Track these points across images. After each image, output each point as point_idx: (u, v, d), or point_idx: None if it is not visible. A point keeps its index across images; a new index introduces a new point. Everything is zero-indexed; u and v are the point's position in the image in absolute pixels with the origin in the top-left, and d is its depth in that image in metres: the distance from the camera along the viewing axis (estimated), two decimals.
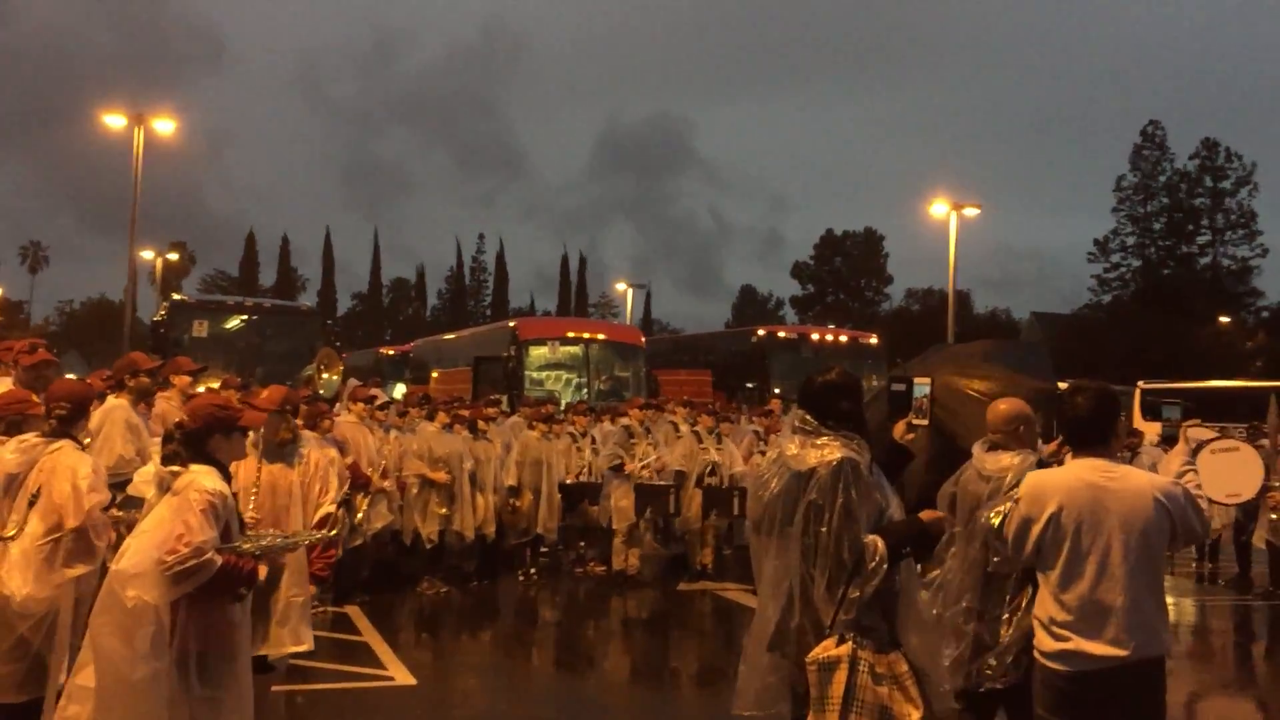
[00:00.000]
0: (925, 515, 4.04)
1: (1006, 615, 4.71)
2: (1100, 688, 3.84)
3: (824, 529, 3.73)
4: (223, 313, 21.13)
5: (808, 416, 3.97)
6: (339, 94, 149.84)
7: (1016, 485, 4.40)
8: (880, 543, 3.74)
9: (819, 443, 3.87)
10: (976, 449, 4.95)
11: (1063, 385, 4.68)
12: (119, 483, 5.60)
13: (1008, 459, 4.81)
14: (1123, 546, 3.84)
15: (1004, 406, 4.97)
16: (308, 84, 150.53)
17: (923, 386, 4.43)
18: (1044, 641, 3.96)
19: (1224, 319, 57.73)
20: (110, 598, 3.98)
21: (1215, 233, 66.72)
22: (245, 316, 20.94)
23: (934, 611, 4.73)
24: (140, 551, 3.95)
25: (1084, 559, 3.88)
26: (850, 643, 3.68)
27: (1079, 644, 3.84)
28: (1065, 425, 4.12)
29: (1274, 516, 10.68)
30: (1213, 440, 11.39)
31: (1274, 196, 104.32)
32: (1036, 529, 3.97)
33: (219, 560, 3.97)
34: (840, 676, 3.65)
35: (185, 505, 4.00)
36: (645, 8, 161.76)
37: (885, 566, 3.72)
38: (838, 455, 3.81)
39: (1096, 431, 4.04)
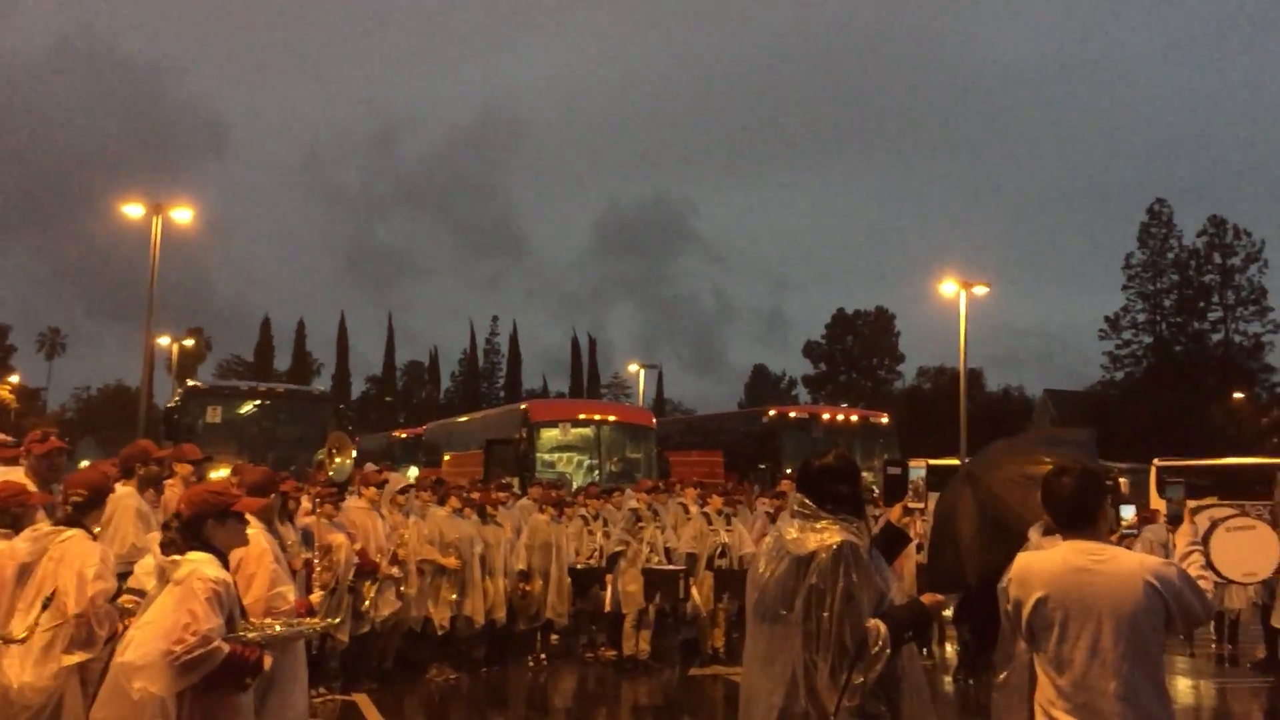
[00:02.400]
0: (927, 599, 4.03)
1: None
2: None
3: (826, 614, 3.71)
4: (235, 398, 21.27)
5: (806, 500, 3.98)
6: (342, 179, 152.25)
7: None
8: (883, 627, 3.72)
9: (818, 526, 3.88)
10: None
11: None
12: (128, 572, 5.62)
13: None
14: (1113, 632, 3.72)
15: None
16: (311, 170, 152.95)
17: (917, 470, 4.48)
18: None
19: (1238, 395, 57.49)
20: (114, 690, 3.97)
21: (1226, 309, 66.84)
22: (258, 401, 21.06)
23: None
24: (145, 642, 3.94)
25: (1074, 644, 3.78)
26: None
27: None
28: (1051, 507, 4.03)
29: None
30: (1228, 518, 11.36)
31: None
32: (1025, 613, 3.90)
33: (226, 649, 3.97)
34: None
35: (189, 594, 4.00)
36: (642, 89, 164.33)
37: (889, 651, 3.70)
38: (837, 539, 3.81)
39: (1083, 513, 3.94)
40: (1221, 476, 24.80)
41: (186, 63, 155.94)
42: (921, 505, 4.45)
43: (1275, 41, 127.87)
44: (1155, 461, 28.76)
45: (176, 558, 4.15)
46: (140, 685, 3.87)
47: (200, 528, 4.25)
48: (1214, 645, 13.78)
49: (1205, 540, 11.10)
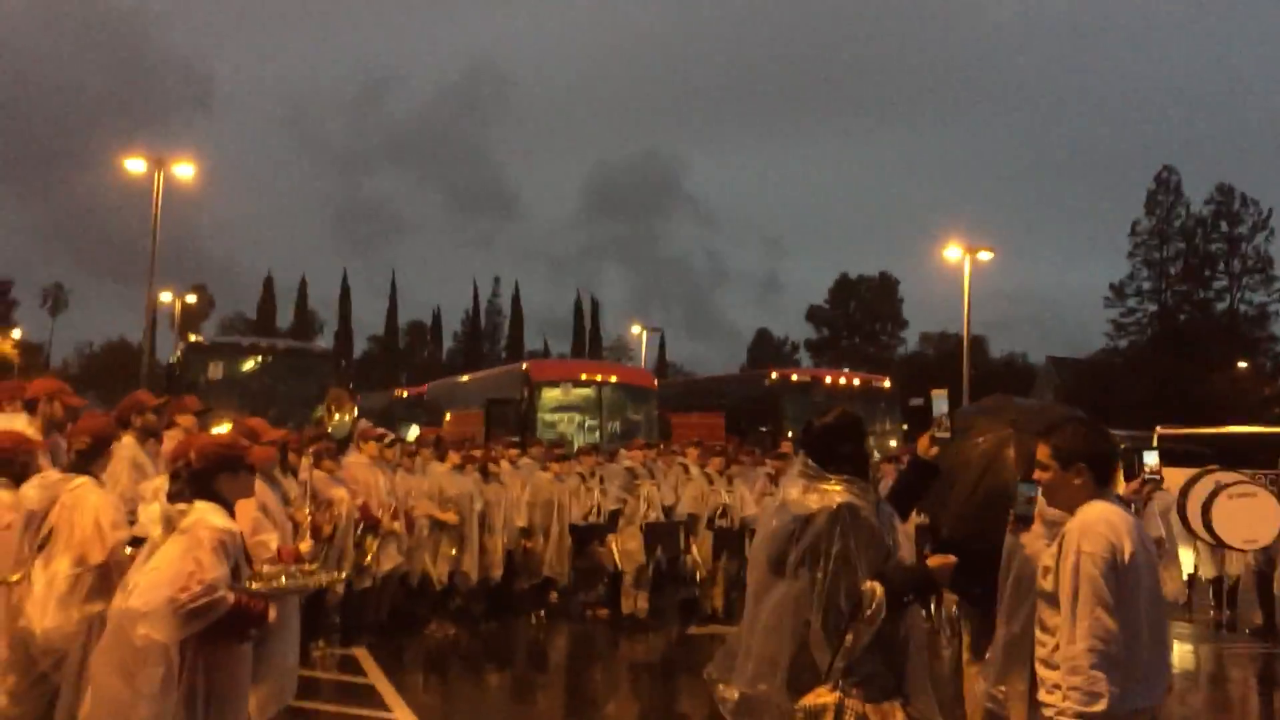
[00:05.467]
0: (933, 561, 3.98)
1: None
2: None
3: (821, 574, 3.71)
4: (236, 354, 21.20)
5: (809, 460, 3.97)
6: (332, 135, 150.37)
7: None
8: (879, 589, 3.69)
9: (821, 487, 3.87)
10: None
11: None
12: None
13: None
14: None
15: None
16: (299, 126, 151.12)
17: (941, 400, 4.42)
18: None
19: (1242, 364, 57.44)
20: (116, 636, 3.95)
21: (1232, 278, 66.72)
22: (259, 358, 20.99)
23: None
24: (150, 589, 3.91)
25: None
26: (838, 691, 3.65)
27: None
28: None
29: None
30: (1231, 484, 11.32)
31: None
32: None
33: (231, 598, 3.95)
34: None
35: (195, 542, 3.97)
36: (633, 45, 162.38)
37: (884, 613, 3.68)
38: (837, 500, 3.80)
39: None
40: (1224, 445, 24.77)
41: (171, 12, 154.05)
42: (948, 435, 4.35)
43: None
44: (1158, 429, 28.79)
45: (183, 506, 4.12)
46: (144, 631, 3.85)
47: (211, 480, 4.22)
48: (1213, 611, 13.80)
49: (1207, 506, 11.12)
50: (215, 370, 19.92)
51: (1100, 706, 3.41)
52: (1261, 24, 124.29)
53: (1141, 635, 3.55)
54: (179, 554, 3.96)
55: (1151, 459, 8.58)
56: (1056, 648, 3.59)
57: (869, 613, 3.66)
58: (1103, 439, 3.83)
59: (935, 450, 4.34)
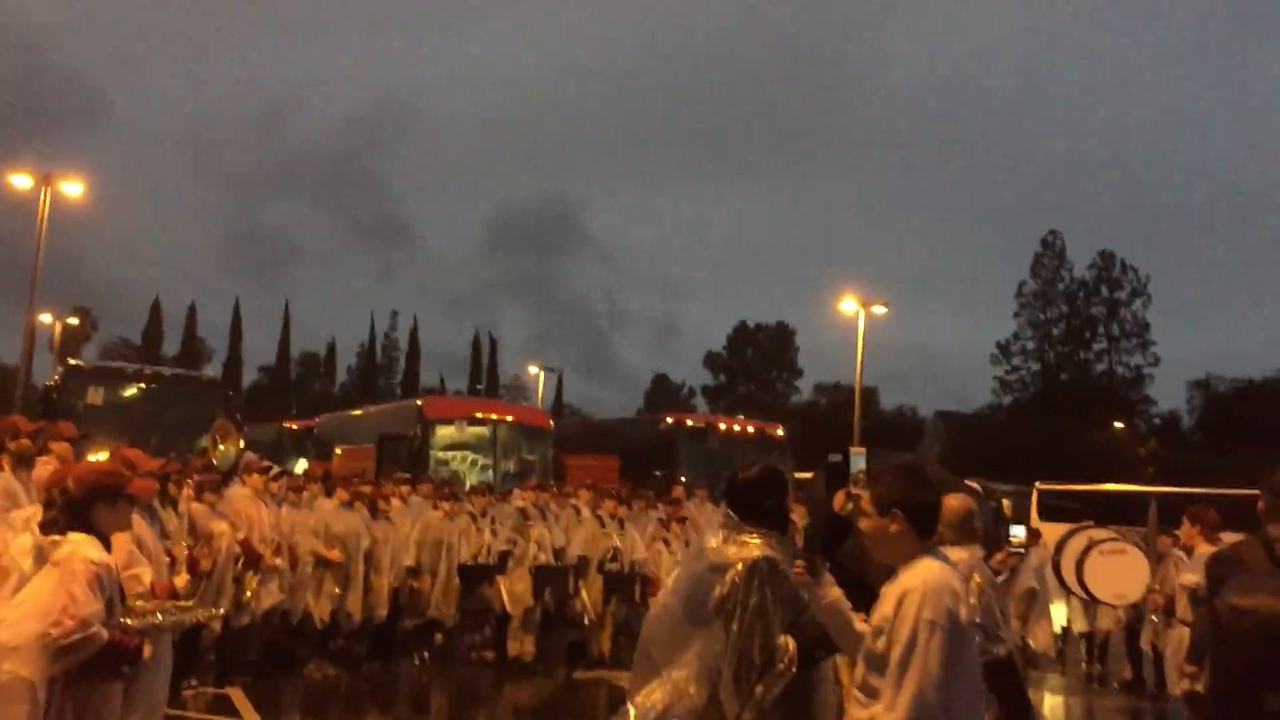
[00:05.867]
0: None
1: None
2: None
3: (735, 625, 3.75)
4: (119, 379, 20.53)
5: (731, 512, 4.02)
6: (229, 161, 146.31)
7: (968, 578, 4.54)
8: (792, 644, 3.75)
9: (741, 539, 3.91)
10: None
11: (971, 483, 4.83)
12: None
13: (956, 553, 4.77)
14: None
15: (955, 503, 5.07)
16: (196, 150, 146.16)
17: (859, 458, 4.55)
18: None
19: (1118, 424, 59.67)
20: None
21: (1111, 340, 69.38)
22: (142, 384, 20.37)
23: None
24: (19, 623, 3.76)
25: None
26: None
27: None
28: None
29: (1154, 619, 10.91)
30: (1104, 541, 11.70)
31: (1168, 308, 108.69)
32: None
33: (105, 635, 3.81)
34: None
35: (69, 576, 3.83)
36: (539, 84, 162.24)
37: (795, 667, 3.73)
38: (755, 554, 3.84)
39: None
40: (1100, 502, 25.60)
41: (63, 25, 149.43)
42: (863, 492, 4.45)
43: (1173, 78, 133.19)
44: (1038, 485, 29.67)
45: (57, 537, 3.97)
46: (10, 668, 3.70)
47: (89, 508, 4.07)
48: (1084, 664, 14.20)
49: (1081, 561, 11.46)
50: (96, 395, 19.26)
51: None
52: (1146, 96, 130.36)
53: (962, 701, 3.37)
54: (51, 587, 3.82)
55: (1018, 531, 8.91)
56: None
57: (781, 666, 3.70)
58: (923, 488, 3.59)
59: (850, 506, 4.45)
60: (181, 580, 5.47)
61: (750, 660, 3.70)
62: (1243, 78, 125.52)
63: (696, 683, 3.82)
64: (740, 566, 3.79)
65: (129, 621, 4.04)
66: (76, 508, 4.08)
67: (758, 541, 3.87)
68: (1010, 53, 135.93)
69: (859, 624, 3.54)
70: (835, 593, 3.61)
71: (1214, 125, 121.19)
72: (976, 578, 4.85)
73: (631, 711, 3.89)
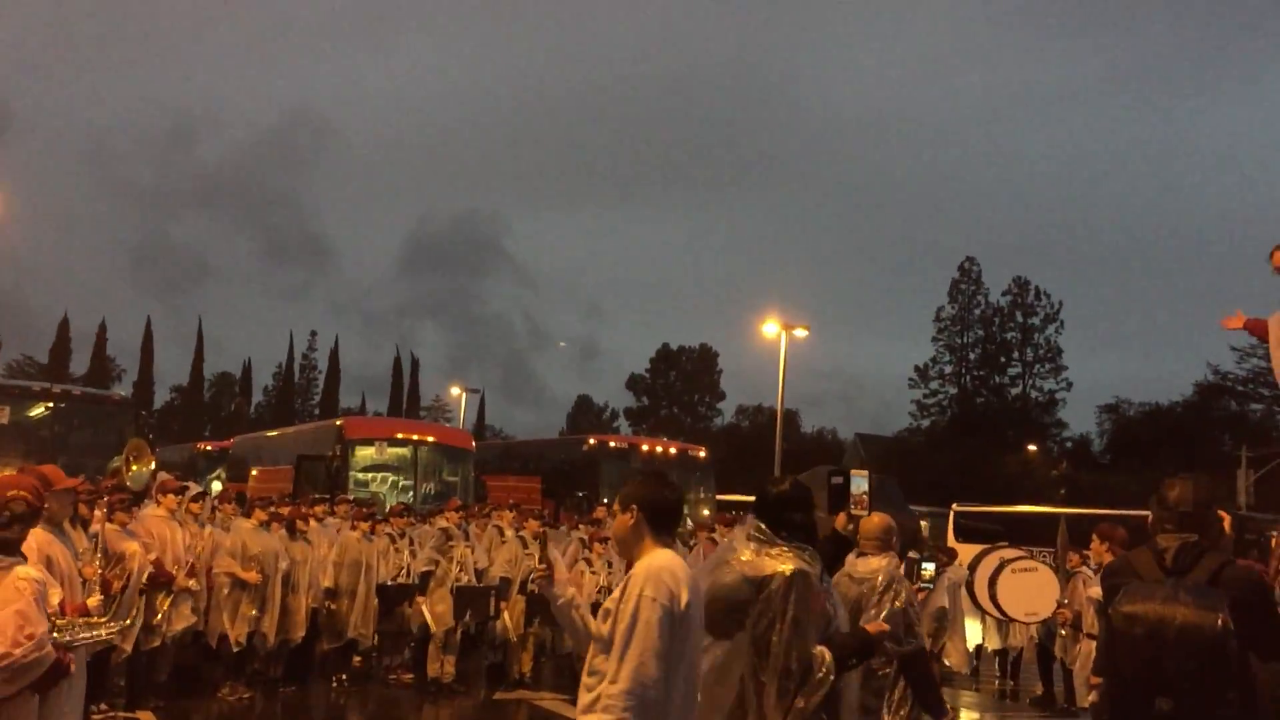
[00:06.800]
0: (871, 627, 4.21)
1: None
2: None
3: (775, 638, 3.79)
4: (24, 398, 19.99)
5: (763, 526, 4.06)
6: (138, 176, 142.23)
7: (888, 586, 5.02)
8: (828, 654, 3.83)
9: (773, 553, 3.96)
10: (850, 557, 5.32)
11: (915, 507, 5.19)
12: None
13: (877, 562, 5.32)
14: None
15: (876, 519, 5.46)
16: (103, 164, 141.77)
17: (861, 480, 4.68)
18: None
19: (1031, 447, 61.02)
20: None
21: (1025, 365, 71.03)
22: (50, 403, 19.85)
23: None
24: None
25: None
26: None
27: None
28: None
29: (1063, 633, 11.17)
30: (1015, 560, 11.97)
31: (1079, 334, 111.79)
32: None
33: (54, 652, 3.78)
34: None
35: (16, 595, 3.80)
36: (458, 103, 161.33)
37: (832, 678, 3.80)
38: (790, 567, 3.89)
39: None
40: (1014, 523, 26.17)
41: None
42: (865, 513, 4.71)
43: (1088, 110, 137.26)
44: (954, 506, 30.26)
45: (4, 558, 3.90)
46: None
47: (30, 524, 4.01)
48: (997, 681, 14.49)
49: (993, 580, 11.70)
50: (1, 414, 18.74)
51: None
52: (1063, 126, 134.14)
53: (680, 683, 3.57)
54: None
55: (929, 568, 9.25)
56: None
57: (818, 677, 3.76)
58: (662, 490, 3.85)
59: (851, 527, 4.59)
60: (94, 600, 5.34)
61: (790, 671, 3.74)
62: (1156, 113, 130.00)
63: (718, 698, 3.86)
64: (778, 580, 3.84)
65: (55, 635, 3.98)
66: (27, 523, 4.04)
67: (790, 555, 3.93)
68: (928, 80, 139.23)
69: (593, 623, 3.70)
70: (570, 592, 3.76)
71: (1128, 156, 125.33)
72: (889, 585, 5.30)
73: None
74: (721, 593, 3.95)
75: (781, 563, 3.92)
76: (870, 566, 5.33)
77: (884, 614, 4.98)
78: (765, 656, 3.80)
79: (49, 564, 5.40)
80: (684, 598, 3.55)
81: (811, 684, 3.77)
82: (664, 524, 3.77)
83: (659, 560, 3.63)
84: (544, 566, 3.77)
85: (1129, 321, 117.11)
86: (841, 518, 4.80)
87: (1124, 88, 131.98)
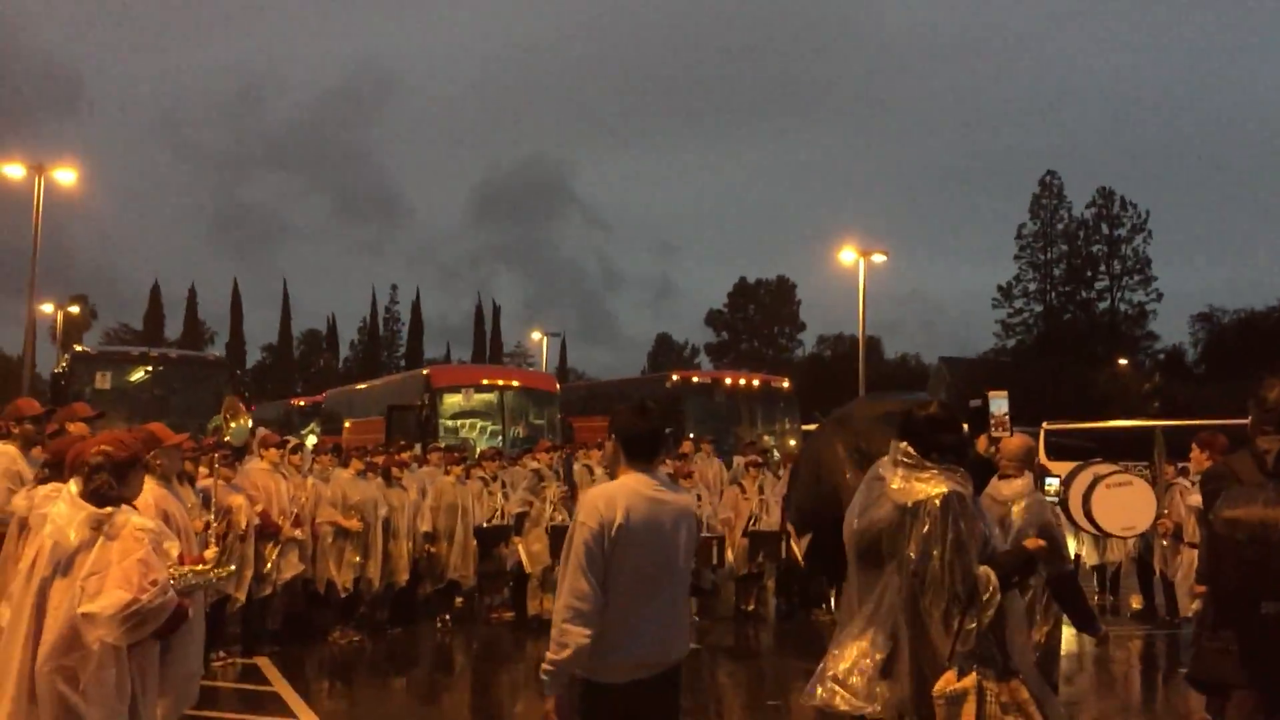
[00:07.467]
0: (1030, 544, 4.16)
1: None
2: None
3: (936, 563, 3.76)
4: (126, 363, 20.66)
5: (911, 449, 4.00)
6: (212, 140, 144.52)
7: (1031, 505, 5.29)
8: (992, 574, 3.78)
9: (924, 476, 3.91)
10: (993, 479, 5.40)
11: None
12: None
13: (1020, 483, 5.51)
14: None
15: (1016, 440, 5.59)
16: (179, 131, 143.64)
17: (1000, 401, 4.67)
18: None
19: (1122, 361, 59.70)
20: (66, 641, 3.89)
21: (1113, 278, 69.26)
22: (149, 367, 20.49)
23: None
24: (105, 593, 3.87)
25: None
26: (974, 674, 3.71)
27: None
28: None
29: (1164, 543, 11.04)
30: (1109, 475, 11.81)
31: (1168, 243, 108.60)
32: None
33: (176, 598, 3.95)
34: (969, 709, 3.68)
35: (135, 544, 3.95)
36: (522, 47, 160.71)
37: (999, 597, 3.76)
38: (944, 489, 3.85)
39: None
40: (1106, 439, 25.74)
41: (36, 13, 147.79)
42: (1006, 434, 4.76)
43: (1166, 13, 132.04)
44: (1044, 425, 29.81)
45: (110, 509, 4.06)
46: (98, 635, 3.84)
47: (129, 473, 4.17)
48: (1096, 596, 14.36)
49: (1087, 496, 11.59)
50: (103, 380, 19.40)
51: (566, 654, 3.71)
52: (1140, 31, 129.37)
53: (626, 597, 3.77)
54: (118, 557, 3.91)
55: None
56: None
57: (986, 597, 3.74)
58: (638, 421, 4.05)
59: (993, 449, 4.62)
60: (211, 553, 5.56)
61: (955, 594, 3.72)
62: (1238, 8, 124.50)
63: (879, 634, 3.88)
64: (933, 504, 3.80)
65: (171, 584, 4.15)
66: (120, 471, 4.16)
67: (942, 477, 3.88)
68: None
69: None
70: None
71: (1210, 57, 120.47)
72: (1022, 502, 5.46)
73: (820, 691, 3.97)
74: (876, 525, 3.91)
75: (934, 485, 3.86)
76: (1013, 488, 5.43)
77: (1032, 533, 4.98)
78: (926, 581, 3.76)
79: (165, 518, 5.64)
80: (617, 519, 3.77)
81: (979, 605, 3.73)
82: (637, 450, 4.00)
83: (609, 486, 3.95)
84: (565, 488, 4.02)
85: (1220, 227, 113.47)
86: (983, 440, 4.77)
87: None
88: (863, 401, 6.65)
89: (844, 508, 4.40)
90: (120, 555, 3.93)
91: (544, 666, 3.77)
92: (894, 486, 3.95)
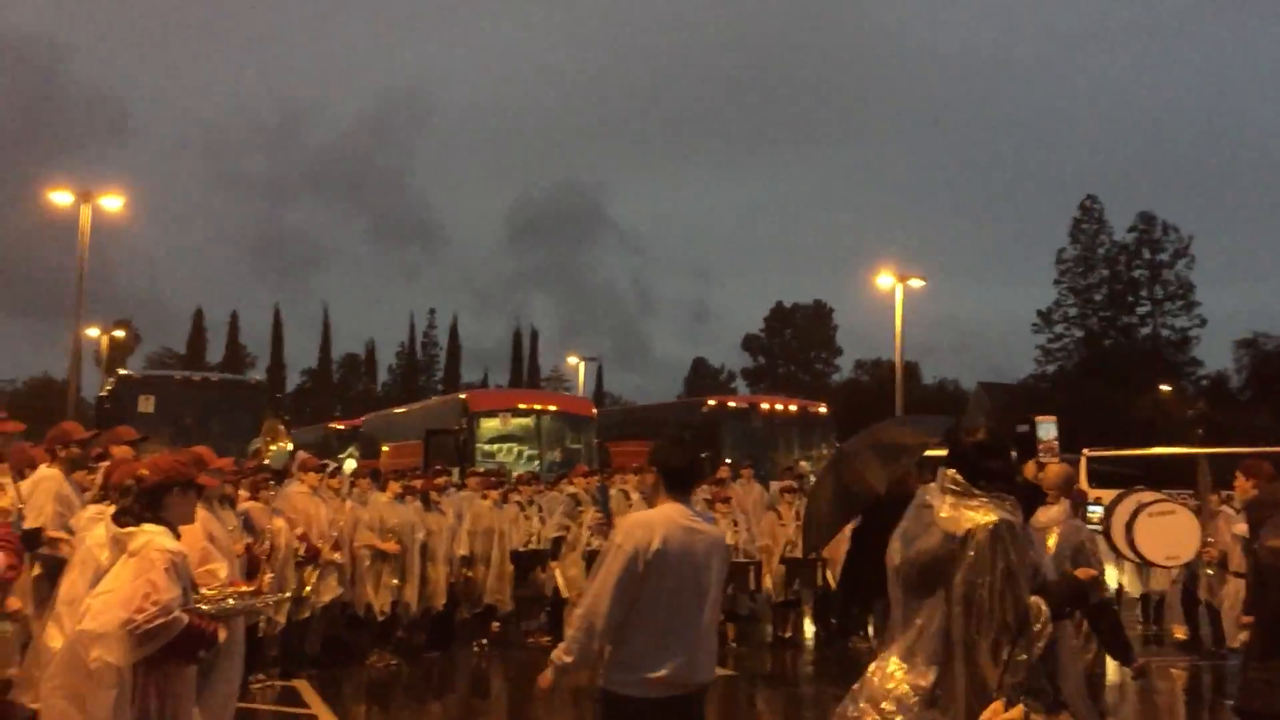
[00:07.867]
0: (1081, 573, 4.20)
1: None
2: None
3: (985, 592, 3.66)
4: (169, 387, 20.97)
5: (959, 477, 3.91)
6: (253, 167, 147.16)
7: (1068, 533, 5.51)
8: (1044, 604, 3.72)
9: (973, 504, 3.82)
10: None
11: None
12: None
13: (1057, 510, 5.65)
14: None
15: (1058, 468, 5.81)
16: (221, 158, 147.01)
17: (1048, 426, 4.74)
18: None
19: (1164, 388, 58.91)
20: (70, 659, 3.94)
21: (1155, 303, 68.40)
22: (192, 391, 20.77)
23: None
24: (104, 611, 3.92)
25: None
26: (1022, 706, 3.60)
27: None
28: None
29: (1209, 572, 10.86)
30: (1152, 503, 11.65)
31: (1211, 267, 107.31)
32: None
33: (185, 619, 3.97)
34: None
35: (148, 564, 3.98)
36: (555, 73, 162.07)
37: (1050, 629, 3.70)
38: (994, 517, 3.75)
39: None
40: (1149, 466, 25.41)
41: (81, 42, 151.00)
42: (1054, 459, 4.83)
43: (1205, 38, 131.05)
44: (1085, 452, 29.48)
45: (132, 529, 4.12)
46: (97, 654, 3.86)
47: (163, 496, 4.22)
48: (1140, 626, 14.15)
49: (1130, 524, 11.45)
50: (147, 403, 19.69)
51: (568, 659, 4.19)
52: (1181, 54, 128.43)
53: (657, 619, 4.14)
54: (131, 576, 3.96)
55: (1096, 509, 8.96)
56: None
57: (1037, 628, 3.67)
58: (677, 454, 4.49)
59: (1040, 474, 4.65)
60: (267, 580, 5.64)
61: (1005, 624, 3.61)
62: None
63: (920, 660, 3.80)
64: (981, 533, 3.70)
65: (203, 606, 4.18)
66: (152, 495, 4.21)
67: (991, 504, 3.79)
68: (1043, 18, 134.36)
69: None
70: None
71: (1252, 82, 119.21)
72: (1057, 528, 5.63)
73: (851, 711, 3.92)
74: (924, 555, 3.83)
75: (983, 514, 3.76)
76: (1049, 515, 5.47)
77: (1069, 563, 5.00)
78: (974, 612, 3.67)
79: (210, 539, 5.72)
80: (654, 545, 4.13)
81: (1029, 635, 3.64)
82: (676, 482, 4.40)
83: (648, 513, 4.33)
84: (601, 515, 4.16)
85: (1264, 251, 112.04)
86: (1031, 465, 4.80)
87: (1252, 6, 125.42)
88: (884, 426, 6.56)
89: (819, 538, 4.67)
90: (133, 574, 3.98)
91: (554, 659, 4.22)
92: (942, 515, 3.86)
